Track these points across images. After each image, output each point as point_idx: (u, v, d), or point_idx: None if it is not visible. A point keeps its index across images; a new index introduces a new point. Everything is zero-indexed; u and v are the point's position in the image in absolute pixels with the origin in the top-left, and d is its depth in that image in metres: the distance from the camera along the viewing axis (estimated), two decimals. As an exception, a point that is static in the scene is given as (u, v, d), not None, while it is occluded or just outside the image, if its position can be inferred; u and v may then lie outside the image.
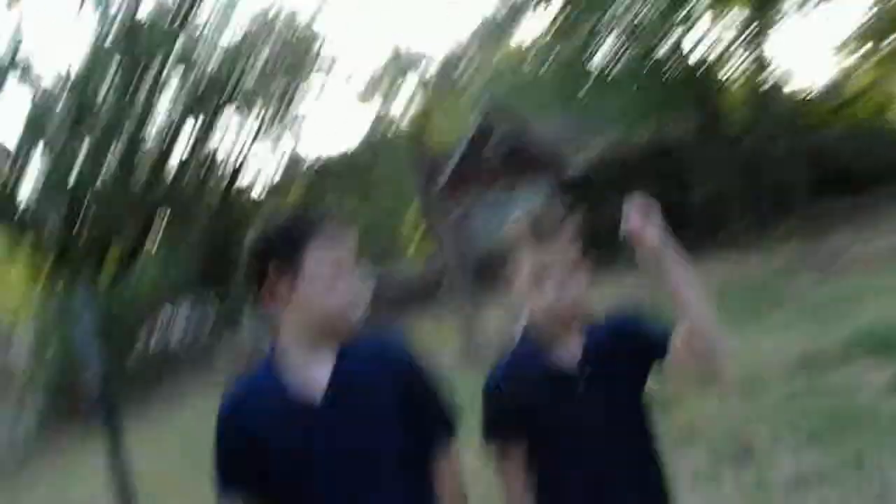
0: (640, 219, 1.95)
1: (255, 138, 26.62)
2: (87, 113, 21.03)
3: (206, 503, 2.12)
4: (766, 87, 19.51)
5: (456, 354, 10.30)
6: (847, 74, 22.95)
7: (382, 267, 24.40)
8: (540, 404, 2.09)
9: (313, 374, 1.95)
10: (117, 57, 21.38)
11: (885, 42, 21.18)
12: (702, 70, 18.83)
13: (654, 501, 2.15)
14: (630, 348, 2.09)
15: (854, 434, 4.72)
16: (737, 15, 18.39)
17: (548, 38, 19.86)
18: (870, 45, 21.44)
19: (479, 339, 10.91)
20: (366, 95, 35.57)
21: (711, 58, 18.90)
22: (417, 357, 2.09)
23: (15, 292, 20.60)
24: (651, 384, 2.17)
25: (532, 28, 26.51)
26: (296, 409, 1.93)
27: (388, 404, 1.98)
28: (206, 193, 25.08)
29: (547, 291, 2.05)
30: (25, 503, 7.04)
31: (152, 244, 23.01)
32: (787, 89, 21.24)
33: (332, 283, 1.95)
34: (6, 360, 15.61)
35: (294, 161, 29.06)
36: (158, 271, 19.65)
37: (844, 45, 22.70)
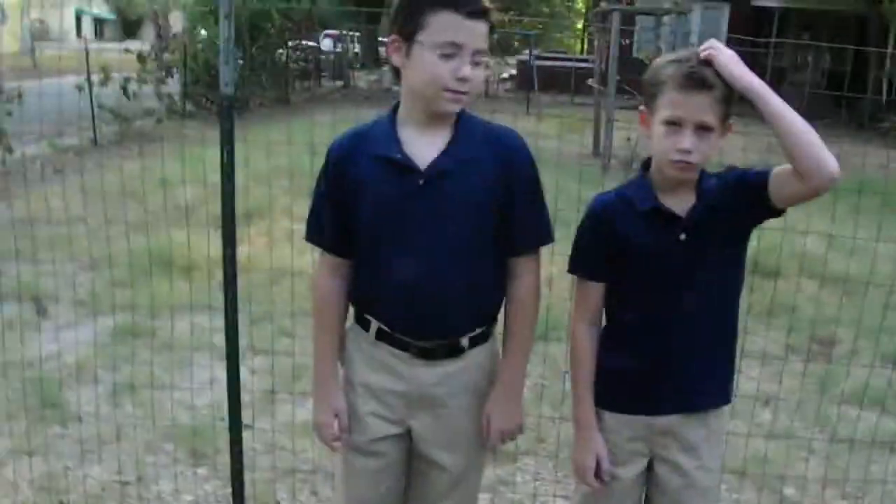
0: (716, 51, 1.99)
1: None
2: None
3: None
4: None
5: (585, 148, 10.42)
6: None
7: (539, 48, 23.92)
8: (638, 241, 2.10)
9: (423, 149, 2.03)
10: None
11: None
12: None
13: (717, 360, 2.19)
14: (735, 200, 2.05)
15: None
16: None
17: None
18: None
19: (610, 140, 11.02)
20: None
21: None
22: (528, 161, 2.10)
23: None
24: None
25: None
26: (399, 172, 2.02)
27: (487, 193, 2.04)
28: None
29: (675, 145, 2.01)
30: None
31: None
32: None
33: (436, 60, 1.94)
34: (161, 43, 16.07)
35: None
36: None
37: None
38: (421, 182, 2.01)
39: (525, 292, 2.14)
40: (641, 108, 2.12)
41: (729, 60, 1.98)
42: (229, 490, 3.31)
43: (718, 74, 1.97)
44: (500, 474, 3.59)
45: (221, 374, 4.14)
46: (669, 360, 2.13)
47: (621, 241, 2.11)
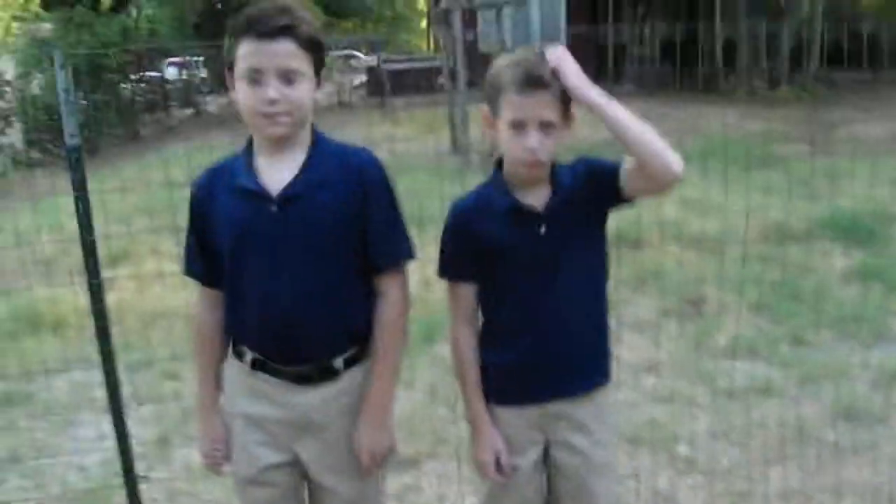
0: (558, 62, 2.03)
1: None
2: None
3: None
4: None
5: (446, 146, 10.53)
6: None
7: (385, 51, 24.01)
8: (501, 239, 2.15)
9: (276, 176, 2.03)
10: None
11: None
12: None
13: (593, 341, 2.27)
14: (588, 189, 2.13)
15: (798, 313, 4.85)
16: None
17: None
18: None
19: (467, 135, 11.20)
20: None
21: None
22: (381, 179, 2.10)
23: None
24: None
25: None
26: (253, 201, 2.02)
27: (342, 214, 2.04)
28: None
29: (522, 145, 2.07)
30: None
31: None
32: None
33: (246, 89, 1.96)
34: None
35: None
36: (157, 13, 19.17)
37: None
38: (274, 209, 2.01)
39: (389, 312, 2.14)
40: (485, 111, 2.17)
41: (570, 73, 2.03)
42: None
43: (555, 72, 2.04)
44: (405, 482, 3.62)
45: (108, 428, 4.03)
46: (548, 350, 2.20)
47: (485, 241, 2.17)
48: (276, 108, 1.95)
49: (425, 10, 43.93)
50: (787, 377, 4.34)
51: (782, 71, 17.83)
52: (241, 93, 1.97)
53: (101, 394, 4.42)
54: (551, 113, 2.06)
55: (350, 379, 2.15)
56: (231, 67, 2.00)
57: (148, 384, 4.48)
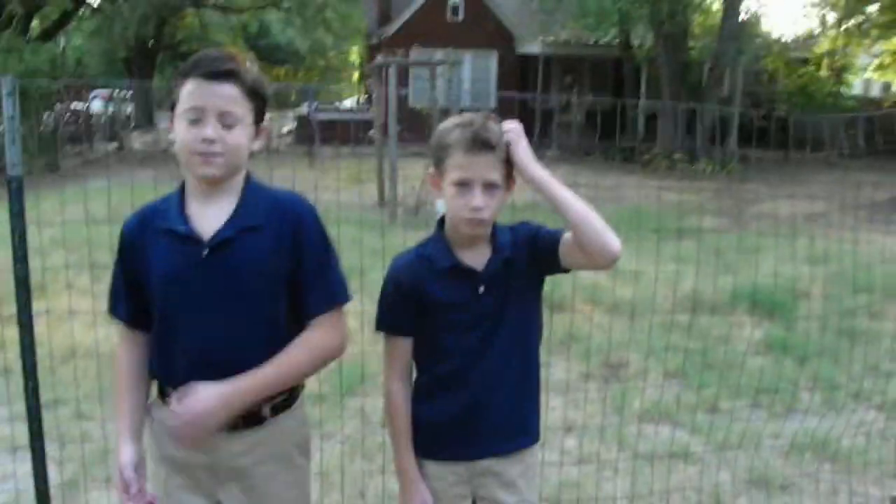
0: (512, 136, 2.13)
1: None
2: None
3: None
4: (738, 18, 19.80)
5: (373, 198, 10.55)
6: (813, 34, 23.68)
7: (317, 99, 24.08)
8: (440, 297, 2.20)
9: (208, 220, 2.04)
10: None
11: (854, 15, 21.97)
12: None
13: (524, 402, 2.31)
14: (527, 254, 2.20)
15: (716, 381, 4.99)
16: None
17: None
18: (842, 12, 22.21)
19: (395, 188, 11.27)
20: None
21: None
22: (314, 225, 2.11)
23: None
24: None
25: None
26: (185, 245, 2.03)
27: (273, 260, 2.05)
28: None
29: (466, 204, 2.13)
30: None
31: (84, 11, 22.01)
32: (755, 30, 21.55)
33: (185, 127, 1.99)
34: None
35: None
36: (86, 44, 18.91)
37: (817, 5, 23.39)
38: (205, 253, 2.01)
39: (321, 336, 2.10)
40: (431, 171, 2.23)
41: (521, 149, 2.13)
42: None
43: (500, 136, 2.13)
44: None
45: (15, 468, 3.87)
46: (480, 408, 2.24)
47: (424, 298, 2.20)
48: (212, 147, 1.97)
49: (356, 62, 44.37)
50: (703, 443, 4.45)
51: (701, 146, 18.51)
52: (180, 131, 1.99)
53: (5, 431, 4.27)
54: (496, 174, 2.13)
55: (277, 425, 2.14)
56: (173, 107, 2.03)
57: (57, 424, 4.33)
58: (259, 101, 2.06)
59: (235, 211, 2.04)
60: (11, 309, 4.66)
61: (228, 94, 1.98)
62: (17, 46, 16.19)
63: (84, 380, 4.32)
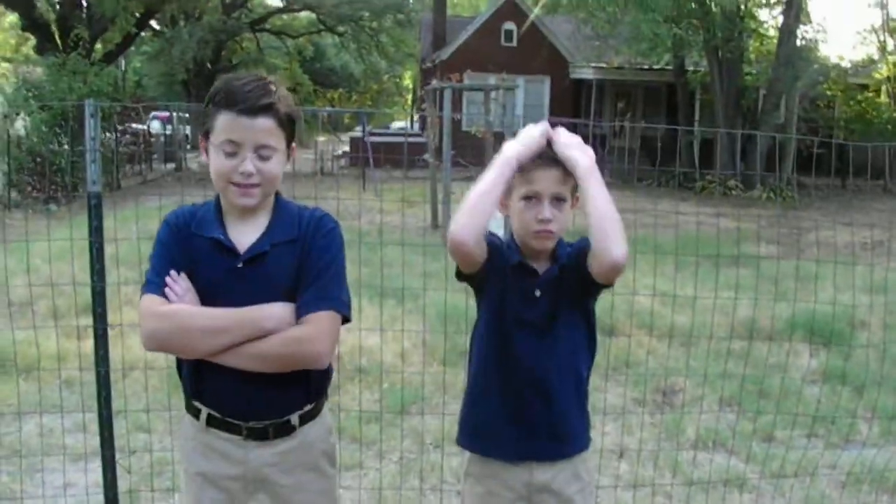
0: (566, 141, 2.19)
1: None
2: None
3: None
4: (796, 43, 19.60)
5: (421, 220, 10.66)
6: (872, 60, 23.30)
7: (370, 123, 24.34)
8: (506, 283, 2.27)
9: (243, 234, 2.13)
10: None
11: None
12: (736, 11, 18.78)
13: (574, 409, 2.36)
14: (576, 267, 2.25)
15: (772, 409, 4.93)
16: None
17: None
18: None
19: (448, 212, 11.32)
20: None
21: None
22: (324, 237, 2.16)
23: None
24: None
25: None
26: (224, 256, 2.10)
27: (289, 271, 2.12)
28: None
29: (535, 217, 2.22)
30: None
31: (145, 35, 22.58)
32: (812, 55, 21.28)
33: (222, 158, 2.04)
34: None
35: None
36: (145, 67, 19.40)
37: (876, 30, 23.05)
38: (240, 264, 2.09)
39: (299, 331, 2.07)
40: None
41: (560, 140, 2.20)
42: None
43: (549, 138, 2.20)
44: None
45: (76, 477, 3.98)
46: (532, 409, 2.29)
47: (500, 281, 2.28)
48: (250, 180, 2.05)
49: (409, 86, 44.75)
50: (758, 472, 4.40)
51: (756, 173, 18.30)
52: (217, 161, 2.06)
53: (70, 441, 4.39)
54: (563, 188, 2.21)
55: (304, 435, 2.20)
56: (207, 134, 2.09)
57: (119, 435, 4.44)
58: (292, 125, 2.13)
59: (269, 226, 2.13)
60: (72, 322, 4.80)
61: (265, 128, 2.04)
62: (82, 69, 16.66)
63: (144, 393, 4.43)
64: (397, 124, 36.11)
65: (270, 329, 2.04)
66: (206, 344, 2.04)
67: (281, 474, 2.17)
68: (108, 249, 4.32)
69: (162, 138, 23.56)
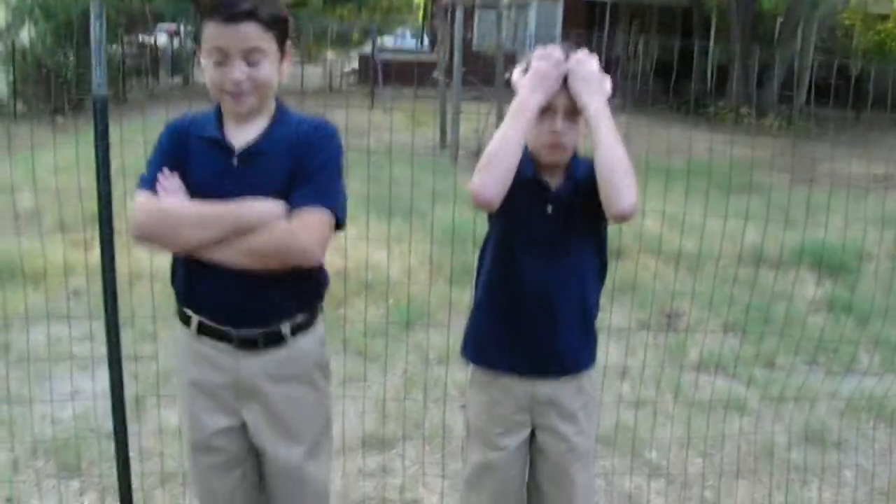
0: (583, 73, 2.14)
1: None
2: None
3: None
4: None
5: (431, 141, 10.62)
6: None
7: (381, 38, 24.00)
8: (516, 199, 2.21)
9: (241, 135, 2.12)
10: None
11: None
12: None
13: (582, 329, 2.36)
14: (591, 188, 2.19)
15: (775, 336, 4.95)
16: None
17: None
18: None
19: (457, 131, 11.26)
20: None
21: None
22: (324, 142, 2.14)
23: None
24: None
25: None
26: (219, 155, 2.11)
27: (283, 173, 2.09)
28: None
29: (547, 129, 2.19)
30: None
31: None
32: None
33: (212, 68, 2.04)
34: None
35: None
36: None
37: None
38: (235, 162, 2.09)
39: (288, 226, 2.04)
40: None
41: (577, 77, 2.14)
42: (108, 501, 3.25)
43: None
44: (380, 461, 3.67)
45: (84, 384, 4.03)
46: (539, 325, 2.30)
47: (510, 198, 2.21)
48: (241, 87, 2.04)
49: (420, 3, 43.96)
50: (758, 397, 4.44)
51: (771, 101, 18.07)
52: (209, 71, 2.05)
53: (79, 349, 4.44)
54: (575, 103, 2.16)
55: (296, 346, 2.20)
56: (200, 46, 2.08)
57: (126, 343, 4.48)
58: (281, 27, 2.10)
59: (267, 129, 2.12)
60: (79, 233, 4.81)
61: (249, 33, 2.01)
62: (87, -23, 16.34)
63: (150, 303, 4.45)
64: (387, 40, 35.40)
65: (255, 222, 2.02)
66: (192, 235, 2.04)
67: (271, 385, 2.17)
68: (115, 162, 4.31)
69: (169, 52, 23.27)
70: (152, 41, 22.00)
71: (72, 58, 14.84)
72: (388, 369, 4.44)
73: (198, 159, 2.11)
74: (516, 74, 2.20)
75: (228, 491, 2.27)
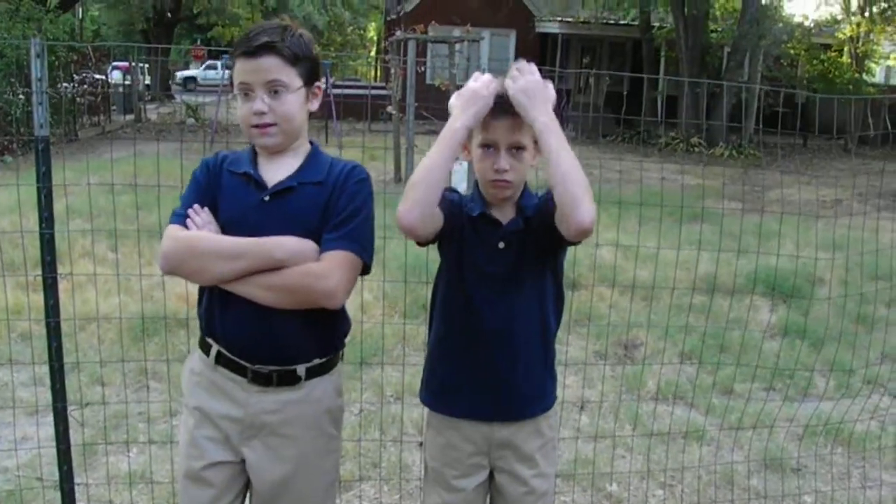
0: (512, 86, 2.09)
1: None
2: None
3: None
4: (759, 1, 19.64)
5: (383, 175, 10.62)
6: (836, 20, 23.37)
7: (334, 74, 24.04)
8: (467, 236, 2.22)
9: (274, 173, 2.15)
10: None
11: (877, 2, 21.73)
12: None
13: (540, 367, 2.31)
14: (541, 221, 2.16)
15: (731, 363, 4.97)
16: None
17: None
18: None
19: (411, 165, 11.27)
20: None
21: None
22: (355, 185, 2.15)
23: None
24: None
25: None
26: (251, 190, 2.13)
27: (313, 211, 2.11)
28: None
29: (491, 166, 2.16)
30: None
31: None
32: (777, 14, 21.33)
33: (241, 102, 2.11)
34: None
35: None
36: (103, 15, 18.90)
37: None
38: (266, 198, 2.11)
39: (315, 267, 2.05)
40: None
41: (519, 91, 2.08)
42: (56, 554, 3.14)
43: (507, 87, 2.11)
44: (338, 503, 3.59)
45: (30, 431, 3.91)
46: (496, 367, 2.25)
47: (461, 231, 2.22)
48: (264, 119, 2.09)
49: (375, 37, 44.24)
50: (717, 425, 4.45)
51: (720, 130, 18.40)
52: (239, 106, 2.12)
53: (24, 394, 4.32)
54: (521, 136, 2.14)
55: (311, 389, 2.18)
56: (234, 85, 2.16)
57: (74, 389, 4.37)
58: (306, 63, 2.13)
59: (300, 168, 2.15)
60: (29, 276, 4.70)
61: (270, 66, 2.07)
62: (37, 16, 16.16)
63: (103, 345, 4.37)
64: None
65: (282, 259, 2.04)
66: (218, 268, 2.05)
67: (279, 424, 2.15)
68: (62, 201, 4.23)
69: (121, 88, 23.06)
70: (104, 78, 21.78)
71: (21, 96, 14.61)
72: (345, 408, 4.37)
73: (230, 194, 2.15)
74: (452, 100, 2.17)
75: None
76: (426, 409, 2.39)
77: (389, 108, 14.40)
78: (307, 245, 2.07)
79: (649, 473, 3.91)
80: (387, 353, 4.89)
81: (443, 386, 2.32)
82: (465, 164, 2.15)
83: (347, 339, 2.30)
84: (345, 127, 16.34)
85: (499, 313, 2.22)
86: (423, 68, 15.58)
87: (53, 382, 2.64)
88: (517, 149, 2.15)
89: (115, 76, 23.35)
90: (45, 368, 2.81)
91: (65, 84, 16.36)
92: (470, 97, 2.12)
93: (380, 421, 4.23)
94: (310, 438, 2.19)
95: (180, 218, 2.12)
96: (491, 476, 2.34)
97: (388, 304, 5.81)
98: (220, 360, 2.17)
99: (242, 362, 2.14)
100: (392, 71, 14.06)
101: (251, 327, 2.09)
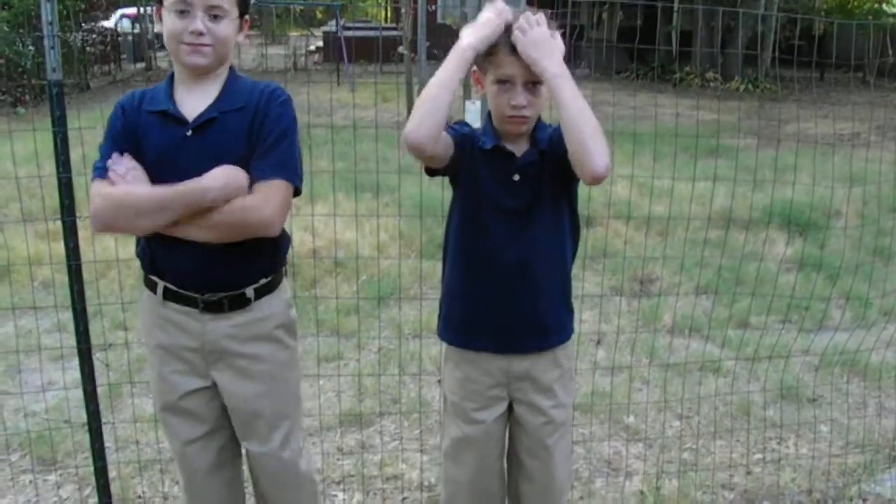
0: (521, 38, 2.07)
1: None
2: None
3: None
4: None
5: (396, 116, 10.52)
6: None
7: (344, 16, 23.75)
8: (480, 170, 2.22)
9: (193, 104, 2.14)
10: None
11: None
12: None
13: (558, 299, 2.33)
14: (556, 155, 2.16)
15: (747, 296, 4.98)
16: None
17: None
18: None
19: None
20: None
21: None
22: (278, 108, 2.16)
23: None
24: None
25: None
26: (173, 127, 2.12)
27: (246, 141, 2.12)
28: None
29: (508, 102, 2.15)
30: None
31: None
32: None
33: (173, 19, 2.08)
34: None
35: None
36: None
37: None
38: (188, 133, 2.10)
39: (249, 199, 2.07)
40: (474, 68, 2.22)
41: (528, 44, 2.07)
42: (86, 492, 3.22)
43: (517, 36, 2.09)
44: (360, 438, 3.66)
45: (55, 376, 3.98)
46: (514, 298, 2.26)
47: (473, 166, 2.22)
48: (201, 39, 2.07)
49: (384, -21, 43.52)
50: (733, 357, 4.48)
51: (735, 64, 18.13)
52: (169, 23, 2.08)
53: (49, 341, 4.38)
54: (531, 73, 2.11)
55: (261, 308, 2.23)
56: (160, 2, 2.11)
57: (96, 334, 4.43)
58: None
59: (219, 96, 2.14)
60: (49, 223, 4.74)
61: None
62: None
63: (123, 291, 4.39)
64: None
65: (213, 199, 2.04)
66: (149, 221, 2.06)
67: (238, 345, 2.21)
68: (78, 150, 4.24)
69: (130, 37, 22.89)
70: (113, 26, 21.62)
71: (31, 47, 14.55)
72: (363, 346, 4.43)
73: (151, 134, 2.12)
74: (465, 29, 2.15)
75: (204, 451, 2.32)
76: (444, 345, 2.41)
77: (401, 49, 14.26)
78: (236, 176, 2.07)
79: (666, 405, 3.95)
80: (404, 291, 4.92)
81: (460, 320, 2.35)
82: (479, 102, 2.13)
83: (289, 256, 2.35)
84: (356, 69, 16.20)
85: (517, 246, 2.23)
86: (433, 7, 15.37)
87: (77, 325, 2.69)
88: (534, 83, 2.13)
89: (124, 24, 23.16)
90: (69, 315, 2.85)
91: (74, 34, 16.23)
92: (483, 22, 2.11)
93: (399, 358, 4.28)
94: (271, 353, 2.26)
95: (102, 171, 2.10)
96: (510, 408, 2.38)
97: (403, 244, 5.83)
98: (167, 295, 2.19)
99: (192, 294, 2.17)
100: (403, 11, 13.89)
101: (198, 260, 2.12)
